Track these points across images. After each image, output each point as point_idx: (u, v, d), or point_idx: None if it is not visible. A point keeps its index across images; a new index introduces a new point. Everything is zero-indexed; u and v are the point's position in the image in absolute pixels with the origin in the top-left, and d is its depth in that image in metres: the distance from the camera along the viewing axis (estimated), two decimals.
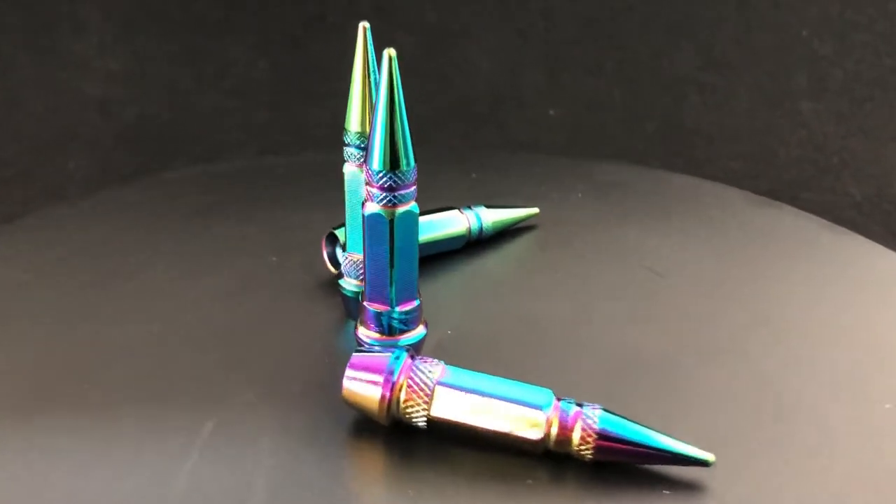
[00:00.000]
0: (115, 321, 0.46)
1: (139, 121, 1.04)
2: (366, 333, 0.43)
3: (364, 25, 0.42)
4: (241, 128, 1.05)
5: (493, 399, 0.38)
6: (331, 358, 0.44)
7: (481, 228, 0.54)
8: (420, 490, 0.36)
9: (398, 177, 0.40)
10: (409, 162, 0.40)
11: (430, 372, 0.38)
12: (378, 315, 0.42)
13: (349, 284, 0.47)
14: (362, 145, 0.44)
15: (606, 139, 1.06)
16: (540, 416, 0.37)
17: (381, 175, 0.39)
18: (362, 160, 0.44)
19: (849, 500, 0.35)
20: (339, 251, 0.50)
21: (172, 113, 1.04)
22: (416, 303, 0.42)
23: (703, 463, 0.36)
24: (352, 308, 0.47)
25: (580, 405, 0.37)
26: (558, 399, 0.37)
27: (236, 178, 0.67)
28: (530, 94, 1.07)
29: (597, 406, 0.37)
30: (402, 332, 0.42)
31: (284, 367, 0.43)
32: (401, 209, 0.40)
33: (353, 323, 0.46)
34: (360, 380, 0.38)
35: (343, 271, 0.47)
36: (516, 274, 0.52)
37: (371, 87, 0.43)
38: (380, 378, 0.38)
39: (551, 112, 1.06)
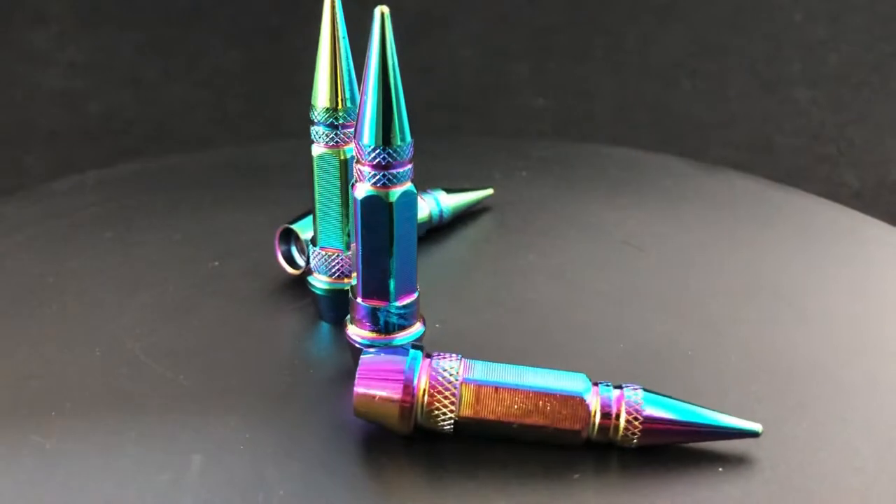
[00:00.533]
0: (50, 348, 0.40)
1: (103, 114, 0.99)
2: (358, 333, 0.38)
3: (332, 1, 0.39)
4: (213, 121, 1.01)
5: (526, 391, 0.34)
6: (315, 367, 0.39)
7: (441, 213, 0.51)
8: (463, 500, 0.33)
9: (393, 153, 0.35)
10: (404, 136, 0.35)
11: (452, 369, 0.34)
12: (374, 312, 0.37)
13: (319, 282, 0.42)
14: (333, 122, 0.40)
15: (596, 128, 1.02)
16: (581, 405, 0.34)
17: (373, 151, 0.35)
18: (334, 140, 0.40)
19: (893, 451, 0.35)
20: (295, 249, 0.46)
21: (139, 106, 0.99)
22: (415, 295, 0.38)
23: (752, 434, 0.34)
24: (324, 308, 0.43)
25: (619, 387, 0.35)
26: (595, 384, 0.35)
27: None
28: (516, 82, 1.03)
29: (636, 386, 0.35)
30: (402, 328, 0.38)
31: (263, 384, 0.38)
32: (397, 190, 0.36)
33: (325, 325, 0.42)
34: (375, 387, 0.34)
35: (312, 268, 0.43)
36: (487, 258, 0.50)
37: (341, 57, 0.39)
38: (398, 383, 0.34)
39: (539, 101, 1.02)
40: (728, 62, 1.02)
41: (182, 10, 0.99)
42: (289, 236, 0.46)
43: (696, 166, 0.63)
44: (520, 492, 0.33)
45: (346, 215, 0.41)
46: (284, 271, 0.46)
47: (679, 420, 0.34)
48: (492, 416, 0.34)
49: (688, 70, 1.03)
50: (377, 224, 0.36)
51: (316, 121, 0.40)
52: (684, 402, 0.34)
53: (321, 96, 0.40)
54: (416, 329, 0.38)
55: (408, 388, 0.34)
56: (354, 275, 0.38)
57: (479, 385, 0.34)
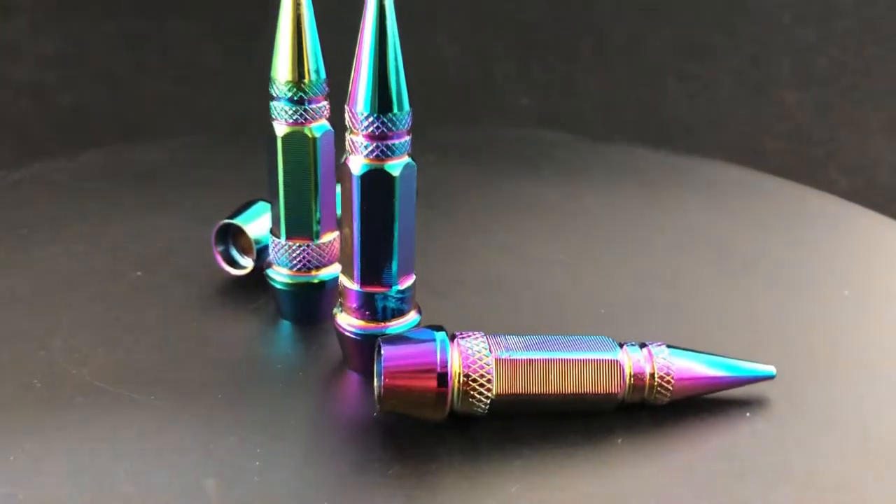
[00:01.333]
0: None
1: (74, 108, 0.96)
2: (350, 323, 0.35)
3: None
4: (187, 116, 0.98)
5: (560, 360, 0.33)
6: (304, 370, 0.37)
7: None
8: (516, 479, 0.31)
9: (389, 122, 0.33)
10: (402, 104, 0.33)
11: (482, 348, 0.33)
12: (373, 298, 0.35)
13: (281, 275, 0.39)
14: (295, 98, 0.37)
15: (582, 129, 1.01)
16: (616, 368, 0.34)
17: (367, 119, 0.32)
18: (300, 117, 0.37)
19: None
20: (234, 248, 0.43)
21: (111, 100, 0.97)
22: (413, 277, 0.36)
23: (767, 377, 0.35)
24: (286, 304, 0.40)
25: (643, 346, 0.35)
26: (621, 345, 0.35)
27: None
28: (501, 81, 1.01)
29: (660, 343, 0.35)
30: (400, 315, 0.36)
31: (251, 397, 0.35)
32: (398, 162, 0.33)
33: (287, 323, 0.40)
34: (406, 376, 0.32)
35: (273, 261, 0.40)
36: (432, 241, 0.48)
37: (305, 23, 0.36)
38: (432, 368, 0.32)
39: (524, 100, 1.01)
40: (716, 63, 1.01)
41: (156, 2, 0.97)
42: (225, 235, 0.42)
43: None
44: (570, 463, 0.32)
45: (315, 200, 0.38)
46: (222, 273, 0.42)
47: (705, 371, 0.35)
48: (531, 391, 0.33)
49: (675, 70, 1.01)
50: (379, 201, 0.34)
51: (277, 95, 0.37)
52: (703, 353, 0.35)
53: (282, 68, 0.36)
54: (412, 317, 0.36)
55: (443, 375, 0.32)
56: (343, 262, 0.36)
57: (514, 360, 0.33)
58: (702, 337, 0.38)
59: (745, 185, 0.59)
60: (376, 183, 0.33)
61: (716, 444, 0.33)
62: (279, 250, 0.39)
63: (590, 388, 0.33)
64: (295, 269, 0.39)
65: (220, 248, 0.43)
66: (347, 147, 0.33)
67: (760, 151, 1.02)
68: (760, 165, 1.02)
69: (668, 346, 0.35)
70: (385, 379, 0.32)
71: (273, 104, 0.37)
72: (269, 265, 0.40)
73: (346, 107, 0.33)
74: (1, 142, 0.97)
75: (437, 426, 0.33)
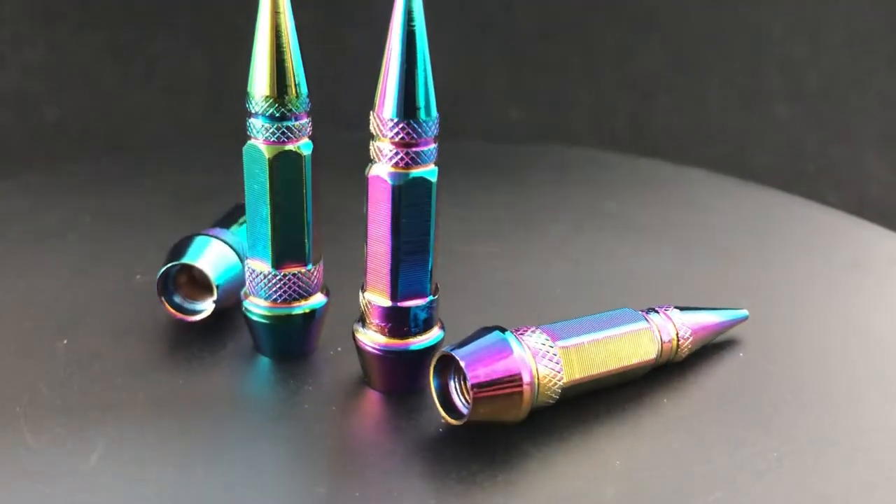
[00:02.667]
0: None
1: (59, 119, 0.96)
2: (375, 340, 0.35)
3: None
4: (173, 128, 0.98)
5: (605, 338, 0.35)
6: (317, 404, 0.36)
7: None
8: (607, 451, 0.33)
9: (418, 127, 0.32)
10: (430, 110, 0.32)
11: (544, 339, 0.34)
12: (408, 312, 0.34)
13: (258, 307, 0.37)
14: (276, 114, 0.34)
15: (572, 141, 1.01)
16: (650, 336, 0.36)
17: (396, 125, 0.32)
18: (281, 135, 0.35)
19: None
20: (179, 296, 0.39)
21: (96, 111, 0.97)
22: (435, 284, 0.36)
23: (744, 318, 0.41)
24: (264, 337, 0.38)
25: (655, 311, 0.38)
26: (642, 312, 0.37)
27: None
28: (491, 93, 1.01)
29: (668, 305, 0.38)
30: (429, 325, 0.36)
31: (248, 437, 0.34)
32: (426, 170, 0.33)
33: (264, 359, 0.38)
34: (493, 385, 0.32)
35: (250, 291, 0.37)
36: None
37: (287, 37, 0.34)
38: (517, 371, 0.32)
39: (514, 112, 1.01)
40: (707, 77, 1.02)
41: (142, 13, 0.97)
42: (165, 281, 0.39)
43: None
44: (633, 433, 0.34)
45: (307, 224, 0.36)
46: (173, 315, 0.39)
47: (708, 322, 0.39)
48: (589, 373, 0.34)
49: (665, 84, 1.02)
50: (417, 211, 0.33)
51: (254, 111, 0.34)
52: (697, 307, 0.39)
53: (259, 83, 0.34)
54: (437, 331, 0.36)
55: (528, 372, 0.32)
56: (371, 279, 0.34)
57: (574, 347, 0.34)
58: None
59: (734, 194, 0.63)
60: (414, 192, 0.33)
61: (743, 388, 0.37)
62: (263, 281, 0.36)
63: (634, 360, 0.36)
64: (281, 300, 0.37)
65: (167, 299, 0.39)
66: (373, 156, 0.33)
67: (751, 165, 1.03)
68: (751, 179, 1.03)
69: (677, 307, 0.38)
70: (473, 391, 0.31)
71: (250, 121, 0.35)
72: (245, 297, 0.38)
73: (371, 113, 0.32)
74: None
75: (478, 429, 0.33)
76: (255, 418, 0.35)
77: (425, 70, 0.32)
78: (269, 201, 0.35)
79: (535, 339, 0.33)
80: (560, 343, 0.34)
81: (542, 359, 0.33)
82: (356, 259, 0.36)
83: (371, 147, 0.33)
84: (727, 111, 1.02)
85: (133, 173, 0.61)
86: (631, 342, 0.36)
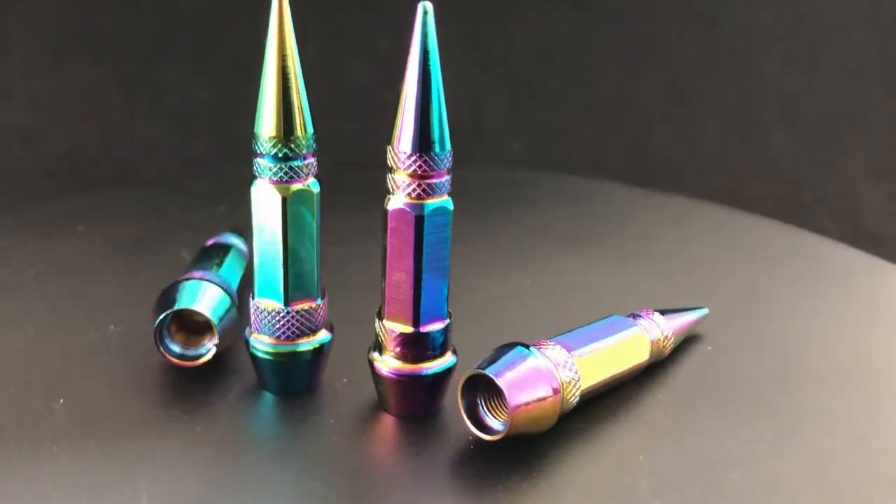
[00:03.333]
0: None
1: (65, 151, 0.97)
2: (391, 366, 0.36)
3: None
4: (178, 159, 0.99)
5: (606, 346, 0.38)
6: (344, 434, 0.37)
7: None
8: (631, 448, 0.36)
9: (431, 160, 0.34)
10: (444, 144, 0.34)
11: (560, 350, 0.36)
12: (428, 336, 0.36)
13: (265, 345, 0.37)
14: (279, 154, 0.35)
15: (571, 172, 1.02)
16: (643, 339, 0.40)
17: (410, 158, 0.34)
18: (285, 175, 0.35)
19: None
20: (172, 341, 0.39)
21: (102, 142, 0.98)
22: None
23: (705, 315, 0.45)
24: (272, 375, 0.38)
25: (639, 315, 0.41)
26: (629, 317, 0.41)
27: None
28: (491, 126, 1.03)
29: (649, 310, 0.42)
30: (444, 350, 0.38)
31: (265, 479, 0.34)
32: (440, 201, 0.35)
33: (269, 395, 0.38)
34: (530, 399, 0.34)
35: (255, 329, 0.38)
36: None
37: (294, 78, 0.34)
38: (548, 384, 0.34)
39: (515, 146, 1.02)
40: (703, 109, 1.03)
41: (148, 46, 0.99)
42: (161, 330, 0.38)
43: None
44: (645, 429, 0.37)
45: (318, 259, 0.37)
46: (173, 361, 0.39)
47: (683, 322, 0.43)
48: (598, 380, 0.37)
49: (662, 116, 1.04)
50: (441, 239, 0.35)
51: (261, 152, 0.35)
52: (669, 309, 0.43)
53: (266, 123, 0.34)
54: (450, 356, 0.37)
55: (557, 384, 0.35)
56: (393, 308, 0.36)
57: (587, 355, 0.37)
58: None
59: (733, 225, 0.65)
60: (435, 221, 0.34)
61: (720, 379, 0.41)
62: (270, 319, 0.37)
63: (634, 362, 0.39)
64: (286, 336, 0.37)
65: (166, 347, 0.39)
66: (390, 187, 0.34)
67: (748, 196, 1.04)
68: (748, 210, 1.04)
69: (655, 311, 0.42)
70: (513, 407, 0.33)
71: (257, 161, 0.35)
72: (249, 335, 0.38)
73: (388, 147, 0.34)
74: None
75: (504, 451, 0.35)
76: (289, 457, 0.35)
77: (440, 107, 0.33)
78: (280, 239, 0.36)
79: (554, 351, 0.36)
80: (575, 353, 0.36)
81: (564, 369, 0.35)
82: (352, 290, 0.39)
83: (388, 179, 0.34)
84: (724, 143, 1.04)
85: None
86: (630, 346, 0.39)
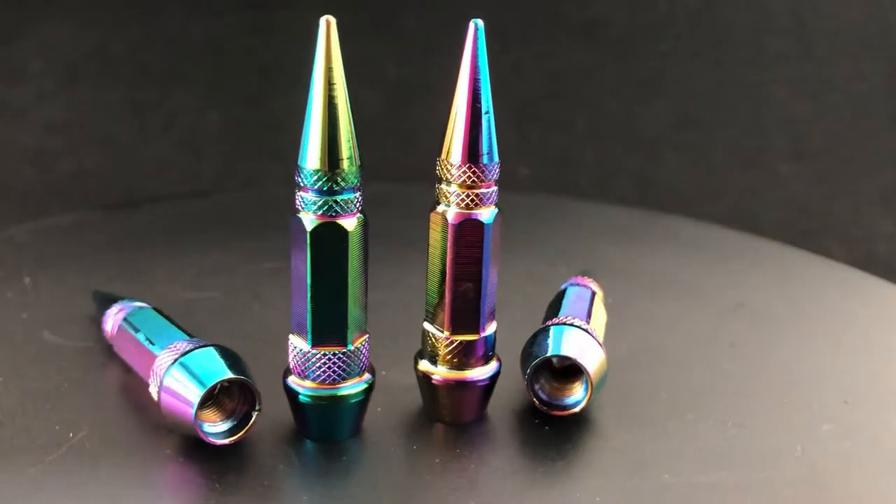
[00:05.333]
0: None
1: (77, 173, 0.99)
2: (463, 375, 0.38)
3: (329, 20, 0.33)
4: (189, 183, 1.01)
5: (596, 308, 0.46)
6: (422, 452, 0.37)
7: None
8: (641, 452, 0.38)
9: (480, 171, 0.36)
10: (492, 156, 0.36)
11: (580, 323, 0.41)
12: (489, 339, 0.39)
13: (305, 387, 0.36)
14: (324, 188, 0.33)
15: (579, 197, 1.03)
16: (599, 295, 0.48)
17: (460, 169, 0.36)
18: (327, 209, 0.34)
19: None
20: (207, 426, 0.35)
21: (114, 166, 0.99)
22: None
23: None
24: (314, 419, 0.36)
25: (579, 283, 0.47)
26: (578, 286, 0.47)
27: None
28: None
29: (577, 276, 0.48)
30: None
31: None
32: (484, 211, 0.37)
33: (309, 443, 0.37)
34: (596, 369, 0.39)
35: (295, 371, 0.36)
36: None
37: (341, 110, 0.33)
38: (600, 353, 0.40)
39: (524, 171, 1.04)
40: (711, 136, 1.05)
41: (161, 72, 1.01)
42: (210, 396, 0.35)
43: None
44: (658, 427, 0.40)
45: (351, 300, 0.35)
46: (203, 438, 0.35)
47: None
48: (602, 336, 0.45)
49: (670, 143, 1.05)
50: (497, 246, 0.37)
51: (304, 185, 0.34)
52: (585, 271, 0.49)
53: (312, 156, 0.33)
54: (495, 363, 0.40)
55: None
56: (460, 319, 0.37)
57: (592, 321, 0.44)
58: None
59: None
60: (496, 229, 0.37)
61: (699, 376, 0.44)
62: (305, 359, 0.35)
63: (605, 317, 0.46)
64: (321, 381, 0.35)
65: (205, 427, 0.35)
66: (440, 199, 0.37)
67: (756, 222, 1.05)
68: (757, 235, 1.05)
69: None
70: (591, 380, 0.38)
71: (300, 194, 0.34)
72: (285, 376, 0.36)
73: (438, 159, 0.36)
74: (1, 205, 0.99)
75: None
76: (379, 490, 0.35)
77: (489, 120, 0.36)
78: (309, 276, 0.34)
79: (580, 324, 0.40)
80: (590, 323, 0.41)
81: (593, 338, 0.39)
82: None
83: (437, 190, 0.37)
84: (732, 170, 1.05)
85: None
86: (599, 307, 0.45)
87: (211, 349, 0.36)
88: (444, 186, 0.36)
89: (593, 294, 0.45)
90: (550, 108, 1.05)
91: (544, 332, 0.39)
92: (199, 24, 1.00)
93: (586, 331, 0.39)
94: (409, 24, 1.03)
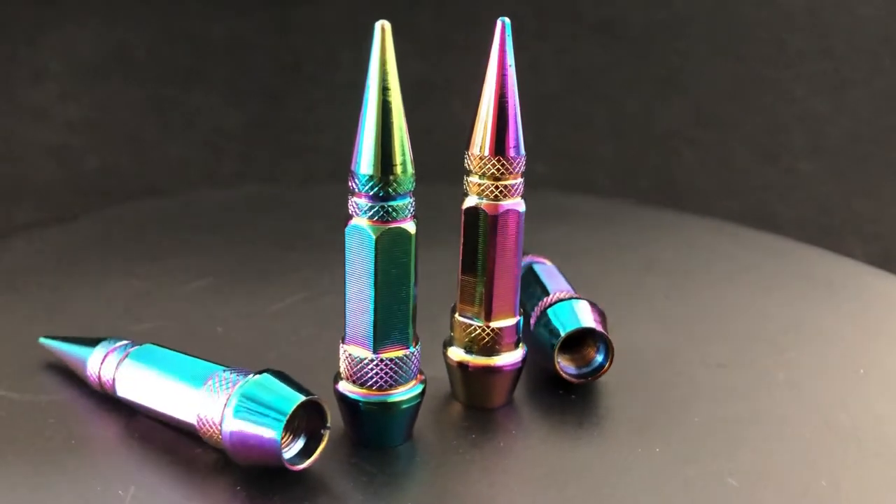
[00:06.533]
0: None
1: (99, 171, 1.01)
2: (508, 360, 0.40)
3: (384, 25, 0.32)
4: (209, 181, 1.02)
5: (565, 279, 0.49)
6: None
7: None
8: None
9: (506, 162, 0.38)
10: (519, 149, 0.38)
11: (570, 293, 0.45)
12: (520, 323, 0.41)
13: (353, 393, 0.36)
14: (378, 194, 0.33)
15: (596, 195, 1.04)
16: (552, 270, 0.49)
17: (488, 162, 0.38)
18: (381, 214, 0.34)
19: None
20: (288, 452, 0.34)
21: (135, 164, 1.01)
22: None
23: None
24: (374, 427, 0.36)
25: (537, 260, 0.48)
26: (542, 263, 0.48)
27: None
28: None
29: (531, 255, 0.48)
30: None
31: None
32: (510, 202, 0.39)
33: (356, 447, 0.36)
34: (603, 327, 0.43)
35: (351, 377, 0.36)
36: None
37: (394, 115, 0.32)
38: (597, 311, 0.43)
39: (540, 167, 1.04)
40: (730, 133, 1.05)
41: (181, 70, 1.02)
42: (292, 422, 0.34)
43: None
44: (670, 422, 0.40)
45: (411, 304, 0.35)
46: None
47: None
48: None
49: (689, 140, 1.05)
50: (522, 236, 0.39)
51: (357, 190, 0.33)
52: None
53: (365, 161, 0.33)
54: (523, 350, 0.41)
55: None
56: (502, 305, 0.39)
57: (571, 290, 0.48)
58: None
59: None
60: (524, 220, 0.39)
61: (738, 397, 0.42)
62: (361, 367, 0.35)
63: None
64: (378, 386, 0.35)
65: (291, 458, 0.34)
66: (467, 190, 0.38)
67: (776, 220, 1.05)
68: (776, 233, 1.05)
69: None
70: (611, 344, 0.41)
71: (354, 200, 0.34)
72: (336, 383, 0.36)
73: (466, 152, 0.38)
74: (24, 203, 1.01)
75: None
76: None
77: (516, 114, 0.37)
78: (371, 282, 0.34)
79: (578, 296, 0.42)
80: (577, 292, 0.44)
81: (594, 307, 0.42)
82: None
83: (465, 182, 0.38)
84: (751, 166, 1.06)
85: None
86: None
87: (267, 375, 0.34)
88: (472, 179, 0.37)
89: (556, 268, 0.47)
90: (568, 105, 1.05)
91: (552, 309, 0.42)
92: (220, 24, 1.02)
93: (588, 301, 0.42)
94: (426, 23, 1.04)
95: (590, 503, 0.34)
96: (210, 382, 0.35)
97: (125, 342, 0.39)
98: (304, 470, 0.34)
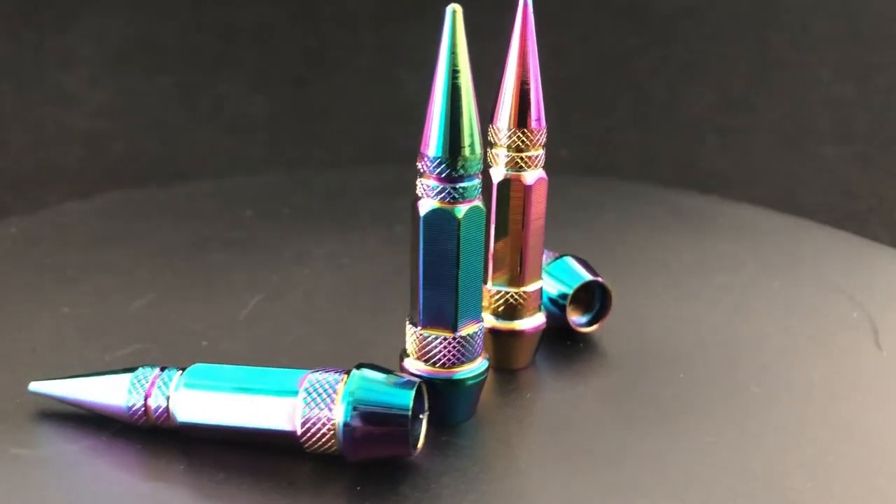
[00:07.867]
0: None
1: (127, 156, 1.02)
2: (537, 322, 0.43)
3: (455, 8, 0.33)
4: (235, 165, 1.04)
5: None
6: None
7: None
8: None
9: (525, 136, 0.41)
10: (541, 122, 0.41)
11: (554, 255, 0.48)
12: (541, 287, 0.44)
13: (424, 372, 0.37)
14: (446, 175, 0.34)
15: (620, 180, 1.04)
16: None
17: (512, 134, 0.40)
18: (446, 196, 0.34)
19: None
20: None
21: (163, 148, 1.03)
22: None
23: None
24: (460, 404, 0.37)
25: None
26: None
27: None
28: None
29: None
30: None
31: None
32: (532, 172, 0.41)
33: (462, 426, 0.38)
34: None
35: (423, 357, 0.37)
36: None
37: (468, 94, 0.33)
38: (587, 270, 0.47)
39: (563, 152, 1.05)
40: (755, 119, 1.05)
41: (209, 56, 1.04)
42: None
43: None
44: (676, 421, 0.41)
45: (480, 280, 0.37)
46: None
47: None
48: None
49: (714, 125, 1.05)
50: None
51: (425, 171, 0.34)
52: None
53: (433, 143, 0.34)
54: (543, 314, 0.44)
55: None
56: (530, 269, 0.41)
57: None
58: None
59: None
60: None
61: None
62: (439, 346, 0.36)
63: None
64: (451, 364, 0.36)
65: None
66: (490, 161, 0.40)
67: (801, 205, 1.05)
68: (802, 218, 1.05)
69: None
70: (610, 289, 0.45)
71: (420, 181, 0.35)
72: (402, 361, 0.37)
73: (490, 125, 0.40)
74: (53, 186, 1.03)
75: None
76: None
77: (537, 87, 0.39)
78: (455, 262, 0.35)
79: (563, 255, 0.46)
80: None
81: (577, 259, 0.46)
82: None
83: (488, 153, 0.40)
84: (775, 151, 1.06)
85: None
86: None
87: (365, 369, 0.35)
88: (496, 151, 0.40)
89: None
90: (591, 91, 1.06)
91: (546, 270, 0.45)
92: (247, 10, 1.03)
93: (574, 256, 0.45)
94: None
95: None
96: (306, 386, 0.35)
97: (157, 368, 0.37)
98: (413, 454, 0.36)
